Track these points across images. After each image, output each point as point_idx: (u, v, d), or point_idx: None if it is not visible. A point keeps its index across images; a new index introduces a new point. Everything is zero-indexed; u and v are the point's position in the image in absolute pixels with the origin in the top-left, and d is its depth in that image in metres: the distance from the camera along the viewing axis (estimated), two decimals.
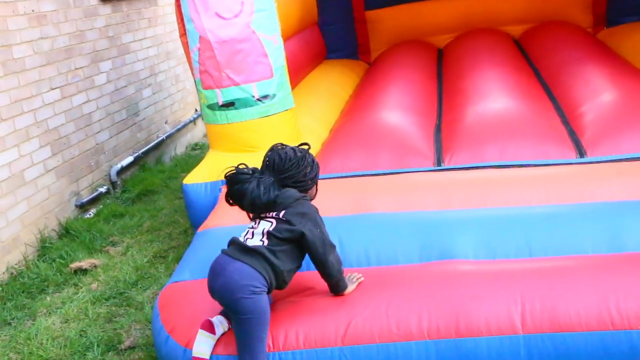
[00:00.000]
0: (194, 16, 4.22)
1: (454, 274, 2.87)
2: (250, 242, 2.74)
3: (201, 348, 2.72)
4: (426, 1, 7.39)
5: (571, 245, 3.02)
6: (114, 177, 6.28)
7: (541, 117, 4.52)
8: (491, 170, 3.90)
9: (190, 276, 3.23)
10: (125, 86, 6.68)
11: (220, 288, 2.69)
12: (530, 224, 3.19)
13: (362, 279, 2.96)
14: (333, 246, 2.81)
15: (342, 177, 4.05)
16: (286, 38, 4.84)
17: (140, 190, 6.16)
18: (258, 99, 4.29)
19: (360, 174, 4.06)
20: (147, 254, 4.81)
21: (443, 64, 6.63)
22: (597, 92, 4.76)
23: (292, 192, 2.83)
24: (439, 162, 4.15)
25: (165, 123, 7.51)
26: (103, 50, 6.29)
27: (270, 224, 2.77)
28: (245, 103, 4.28)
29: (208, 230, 3.61)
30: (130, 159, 6.58)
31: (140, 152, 6.79)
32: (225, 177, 2.86)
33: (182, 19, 4.50)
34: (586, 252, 3.00)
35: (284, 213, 2.76)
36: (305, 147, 2.96)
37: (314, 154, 3.12)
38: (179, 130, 7.72)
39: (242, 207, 2.85)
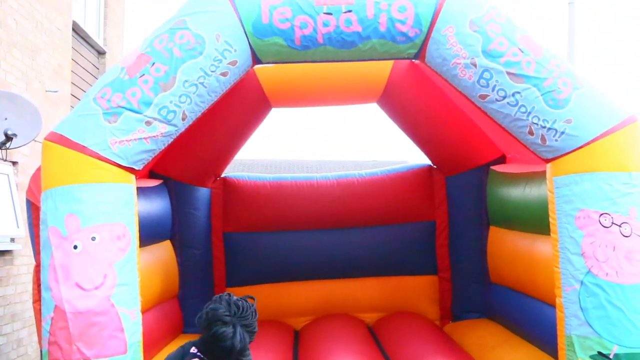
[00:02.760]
0: (52, 284, 4.13)
1: None
2: None
3: None
4: (286, 283, 7.63)
5: None
6: None
7: None
8: None
9: None
10: None
11: None
12: None
13: None
14: None
15: None
16: (144, 310, 4.77)
17: None
18: None
19: None
20: None
21: (299, 347, 6.69)
22: None
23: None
24: None
25: None
26: None
27: None
28: None
29: None
30: None
31: None
32: (205, 319, 3.22)
33: (39, 285, 4.39)
34: None
35: None
36: (252, 300, 3.34)
37: None
38: None
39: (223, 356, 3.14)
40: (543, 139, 4.46)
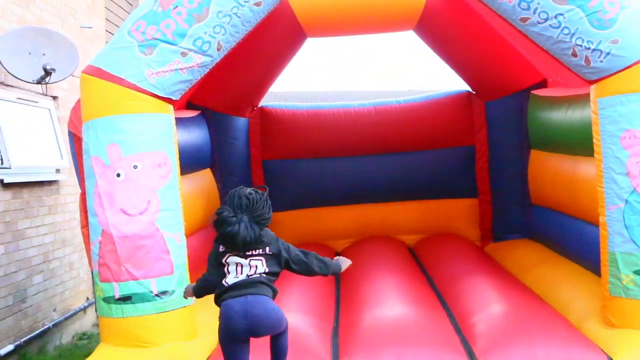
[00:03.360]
0: (98, 210, 4.25)
1: None
2: (248, 275, 3.52)
3: None
4: (327, 207, 7.72)
5: None
6: None
7: (435, 325, 4.68)
8: None
9: None
10: (16, 272, 6.43)
11: (253, 323, 3.48)
12: None
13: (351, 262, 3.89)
14: (308, 254, 3.69)
15: None
16: (189, 234, 4.90)
17: None
18: (156, 295, 4.24)
19: None
20: None
21: None
22: (487, 304, 5.02)
23: (270, 232, 3.65)
24: None
25: (54, 310, 7.17)
26: None
27: (261, 261, 3.58)
28: (143, 298, 4.22)
29: None
30: (10, 347, 6.17)
31: (22, 340, 6.39)
32: (215, 222, 3.51)
33: (85, 212, 4.52)
34: None
35: (270, 248, 3.60)
36: (263, 190, 3.66)
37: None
38: (67, 318, 7.38)
39: (233, 246, 3.52)
40: (587, 60, 4.35)
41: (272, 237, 3.65)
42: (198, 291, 3.77)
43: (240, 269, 3.58)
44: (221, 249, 3.63)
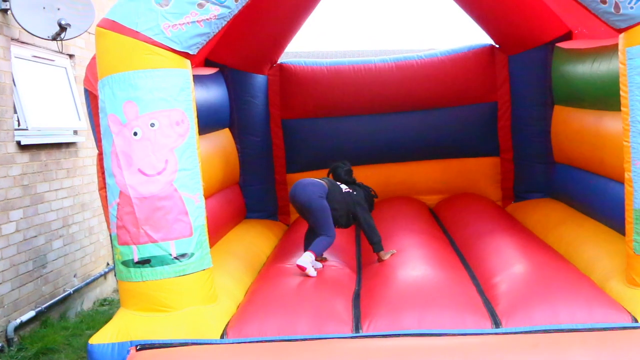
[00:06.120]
0: (115, 171, 4.18)
1: None
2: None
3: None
4: None
5: None
6: (10, 334, 5.86)
7: (458, 286, 4.61)
8: (409, 338, 3.87)
9: None
10: (35, 236, 6.44)
11: (300, 196, 5.24)
12: None
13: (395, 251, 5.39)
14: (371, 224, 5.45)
15: (258, 341, 3.92)
16: (207, 196, 4.84)
17: (39, 349, 5.75)
18: (175, 257, 4.18)
19: (277, 339, 3.95)
20: None
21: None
22: (509, 264, 4.94)
23: (360, 190, 5.61)
24: (357, 328, 4.09)
25: (74, 276, 7.20)
26: (15, 198, 6.10)
27: (352, 192, 5.49)
28: (162, 261, 4.16)
29: None
30: (31, 313, 6.20)
31: (44, 306, 6.43)
32: (333, 167, 5.74)
33: (103, 173, 4.45)
34: None
35: (355, 195, 5.48)
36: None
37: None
38: (88, 284, 7.41)
39: (340, 181, 5.61)
40: (617, 7, 4.16)
41: (359, 195, 5.53)
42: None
43: None
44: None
